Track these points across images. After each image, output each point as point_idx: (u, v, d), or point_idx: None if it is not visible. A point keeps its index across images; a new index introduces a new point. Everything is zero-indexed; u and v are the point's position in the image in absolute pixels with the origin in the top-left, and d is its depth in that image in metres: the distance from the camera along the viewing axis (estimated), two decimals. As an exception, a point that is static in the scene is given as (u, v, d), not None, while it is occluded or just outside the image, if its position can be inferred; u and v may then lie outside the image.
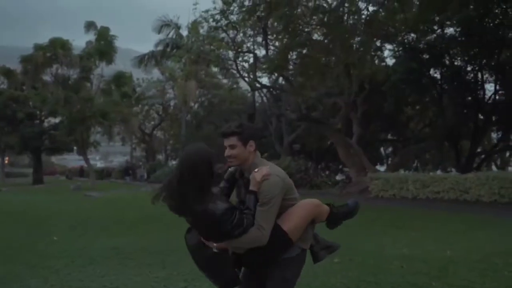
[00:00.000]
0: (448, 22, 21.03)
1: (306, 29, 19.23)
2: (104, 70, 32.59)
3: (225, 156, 3.14)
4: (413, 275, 6.09)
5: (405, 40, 21.72)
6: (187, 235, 3.18)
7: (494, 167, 32.27)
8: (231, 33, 21.05)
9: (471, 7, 19.92)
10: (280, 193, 3.03)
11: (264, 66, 21.76)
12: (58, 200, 20.32)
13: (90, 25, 30.77)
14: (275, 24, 19.43)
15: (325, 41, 19.72)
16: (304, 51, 19.92)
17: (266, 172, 3.00)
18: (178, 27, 36.23)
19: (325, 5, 18.43)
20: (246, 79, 23.33)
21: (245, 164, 3.13)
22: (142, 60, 38.09)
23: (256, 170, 3.03)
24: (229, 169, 3.28)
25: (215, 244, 2.98)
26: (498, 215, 12.15)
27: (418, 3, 19.22)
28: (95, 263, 7.36)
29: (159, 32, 36.40)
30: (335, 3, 17.98)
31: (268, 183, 2.99)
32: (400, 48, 22.26)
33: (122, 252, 8.19)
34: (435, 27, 21.61)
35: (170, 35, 36.41)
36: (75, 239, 9.92)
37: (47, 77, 32.25)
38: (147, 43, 50.00)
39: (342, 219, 3.48)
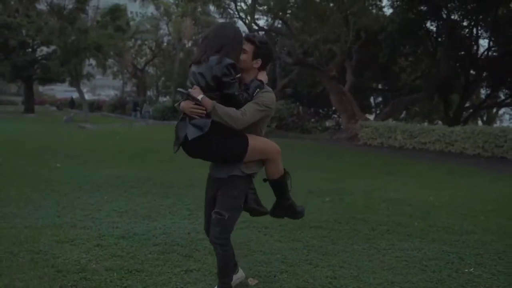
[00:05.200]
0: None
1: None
2: (99, 2, 32.14)
3: None
4: (398, 216, 6.63)
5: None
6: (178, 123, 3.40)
7: (480, 123, 32.94)
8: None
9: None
10: (271, 109, 3.37)
11: (262, 9, 21.74)
12: (52, 131, 20.64)
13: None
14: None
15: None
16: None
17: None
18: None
19: None
20: (244, 20, 23.29)
21: (246, 75, 3.39)
22: (139, -7, 37.67)
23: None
24: None
25: (201, 96, 3.17)
26: (480, 167, 12.76)
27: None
28: (102, 190, 7.82)
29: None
30: None
31: (269, 94, 3.37)
32: (399, -1, 22.34)
33: (126, 181, 8.66)
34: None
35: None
36: (77, 167, 10.36)
37: (42, 6, 31.73)
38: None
39: (288, 210, 3.80)
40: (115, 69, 50.24)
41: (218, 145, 3.29)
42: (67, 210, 6.44)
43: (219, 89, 3.19)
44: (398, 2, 22.48)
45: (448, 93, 23.98)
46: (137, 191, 7.85)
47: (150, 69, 51.85)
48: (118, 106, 43.95)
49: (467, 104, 27.29)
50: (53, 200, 7.03)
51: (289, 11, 20.48)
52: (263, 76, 3.41)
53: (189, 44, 44.42)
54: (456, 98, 25.99)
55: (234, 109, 3.21)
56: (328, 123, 33.23)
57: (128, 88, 56.27)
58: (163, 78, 49.77)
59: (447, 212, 6.97)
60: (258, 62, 3.39)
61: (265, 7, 21.13)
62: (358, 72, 24.33)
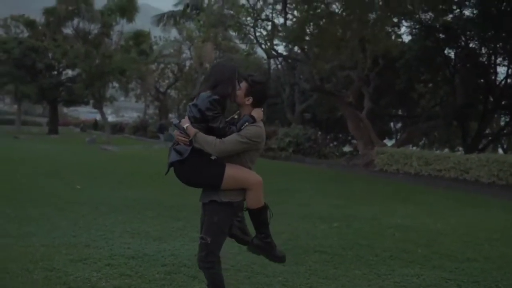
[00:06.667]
0: (466, 3, 21.22)
1: (324, 1, 19.55)
2: (124, 27, 33.02)
3: None
4: (403, 242, 6.78)
5: (422, 19, 21.97)
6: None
7: (500, 150, 32.62)
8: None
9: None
10: (255, 143, 3.62)
11: (281, 34, 22.18)
12: (75, 152, 21.14)
13: (111, -18, 31.08)
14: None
15: (343, 14, 20.07)
16: (322, 23, 20.27)
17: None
18: (199, -13, 36.44)
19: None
20: (263, 46, 23.77)
21: (242, 110, 3.73)
22: (161, 19, 38.53)
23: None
24: (235, 115, 3.87)
25: (186, 125, 3.55)
26: (494, 196, 12.72)
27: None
28: (117, 211, 8.13)
29: (179, -10, 36.75)
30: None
31: (256, 129, 3.62)
32: (417, 26, 22.54)
33: (141, 203, 8.97)
34: (454, 7, 21.77)
35: (191, -4, 36.71)
36: (96, 188, 10.71)
37: (68, 30, 32.81)
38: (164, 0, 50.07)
39: (264, 248, 3.87)
40: (138, 91, 51.09)
41: (196, 172, 3.61)
42: (83, 230, 6.73)
43: (205, 121, 3.56)
44: (416, 30, 22.70)
45: (466, 120, 23.94)
46: (150, 213, 8.13)
47: (172, 92, 52.54)
48: (140, 128, 44.58)
49: (487, 131, 27.17)
50: (71, 220, 7.35)
51: (307, 38, 20.82)
52: (256, 113, 3.69)
53: (211, 69, 45.00)
54: (475, 125, 25.88)
55: (214, 137, 3.53)
56: (347, 148, 33.22)
57: (151, 110, 57.10)
58: (184, 101, 50.34)
59: (452, 239, 7.09)
60: (250, 100, 3.69)
61: (283, 33, 21.56)
62: (376, 98, 24.46)
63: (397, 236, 7.19)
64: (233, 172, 3.59)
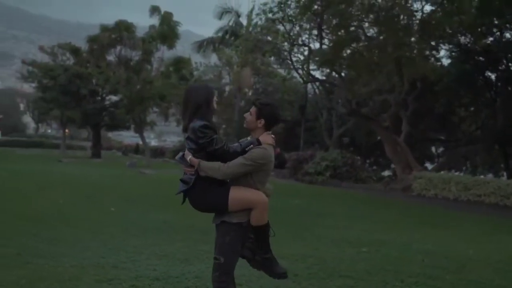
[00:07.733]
0: (507, 25, 20.88)
1: (360, 25, 19.60)
2: (164, 53, 33.83)
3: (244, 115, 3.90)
4: (431, 268, 6.64)
5: (461, 42, 21.71)
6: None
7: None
8: (287, 25, 21.72)
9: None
10: (260, 164, 3.69)
11: (316, 59, 22.32)
12: (114, 175, 21.62)
13: (154, 10, 31.94)
14: (330, 18, 19.88)
15: (380, 38, 20.06)
16: (355, 45, 20.31)
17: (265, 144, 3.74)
18: (238, 15, 37.11)
19: (378, 1, 18.74)
20: (300, 71, 23.96)
21: (252, 132, 3.84)
22: (201, 46, 39.34)
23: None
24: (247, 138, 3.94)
25: (189, 157, 3.68)
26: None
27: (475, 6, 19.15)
28: (147, 234, 8.28)
29: (220, 18, 37.45)
30: (389, 4, 18.27)
31: (260, 150, 3.69)
32: (456, 49, 22.27)
33: (171, 226, 9.12)
34: (495, 30, 21.44)
35: (230, 23, 37.38)
36: (129, 211, 10.92)
37: (110, 57, 33.95)
38: (205, 26, 51.15)
39: (265, 264, 3.92)
40: (178, 116, 51.90)
41: (202, 198, 3.75)
42: (112, 251, 6.88)
43: (202, 150, 3.68)
44: (455, 53, 22.42)
45: (508, 144, 23.29)
46: (180, 236, 8.24)
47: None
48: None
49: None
50: (101, 241, 7.52)
51: (341, 61, 20.88)
52: (264, 137, 3.78)
53: (250, 93, 45.47)
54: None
55: (219, 162, 3.65)
56: (387, 173, 32.75)
57: (191, 135, 57.76)
58: (224, 126, 50.88)
59: (483, 266, 6.90)
60: (262, 122, 3.78)
61: (317, 57, 21.71)
62: (414, 122, 24.10)
63: (426, 262, 7.04)
64: (237, 195, 3.69)
